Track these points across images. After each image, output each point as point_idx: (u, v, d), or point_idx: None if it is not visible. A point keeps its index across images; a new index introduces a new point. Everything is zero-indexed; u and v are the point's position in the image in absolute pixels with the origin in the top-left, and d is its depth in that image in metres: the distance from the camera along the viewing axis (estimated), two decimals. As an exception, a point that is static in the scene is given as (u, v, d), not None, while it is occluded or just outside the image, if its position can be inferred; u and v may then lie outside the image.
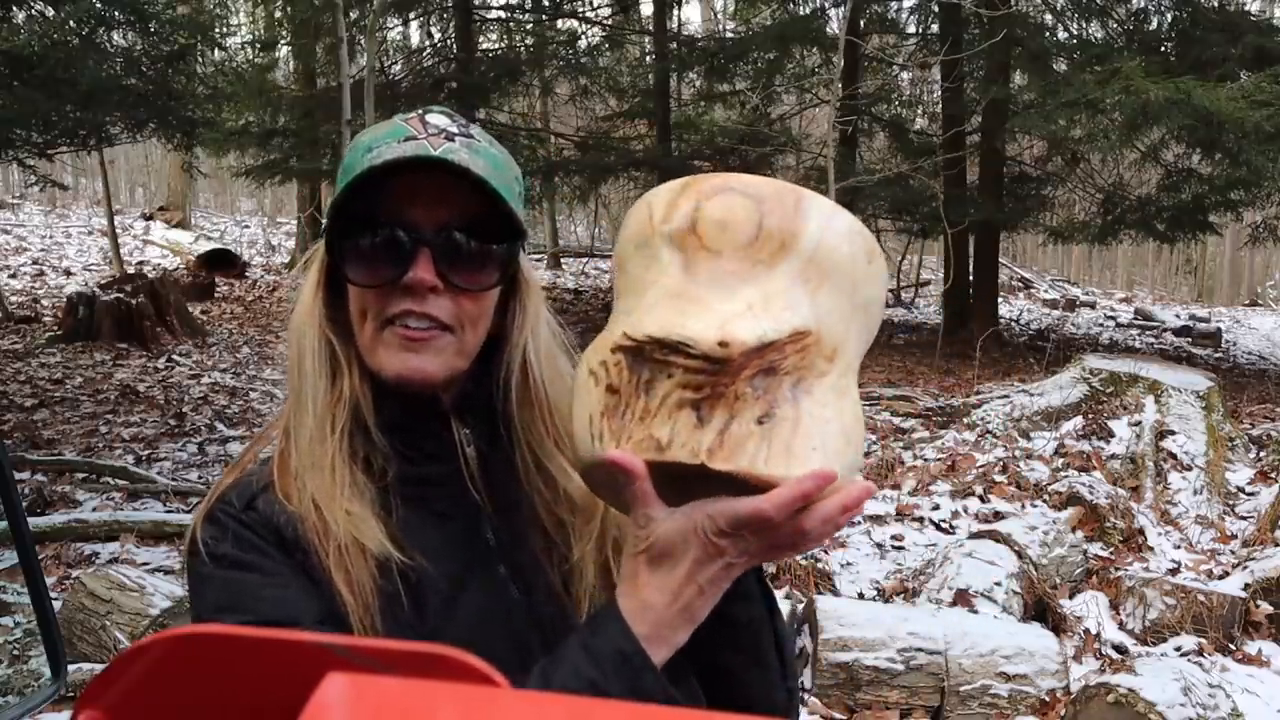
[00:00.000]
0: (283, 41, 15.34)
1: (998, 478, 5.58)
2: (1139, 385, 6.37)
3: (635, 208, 0.87)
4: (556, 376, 1.03)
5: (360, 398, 0.97)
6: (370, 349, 0.97)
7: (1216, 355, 13.94)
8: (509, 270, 1.00)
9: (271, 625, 0.90)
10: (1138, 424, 5.91)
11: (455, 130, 0.97)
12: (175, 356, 9.79)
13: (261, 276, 16.62)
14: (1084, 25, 13.96)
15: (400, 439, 0.98)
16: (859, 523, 5.17)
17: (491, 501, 1.00)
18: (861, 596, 4.18)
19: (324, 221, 0.99)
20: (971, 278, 13.76)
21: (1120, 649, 3.86)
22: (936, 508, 5.31)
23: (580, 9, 15.46)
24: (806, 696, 3.29)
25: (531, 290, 1.04)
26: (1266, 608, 4.02)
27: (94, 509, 5.20)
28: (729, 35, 16.06)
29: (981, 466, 5.78)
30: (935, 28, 14.00)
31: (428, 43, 15.88)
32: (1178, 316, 19.02)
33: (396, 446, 0.98)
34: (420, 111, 1.00)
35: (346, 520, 0.92)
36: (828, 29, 13.08)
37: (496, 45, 15.72)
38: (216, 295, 14.18)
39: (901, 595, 4.22)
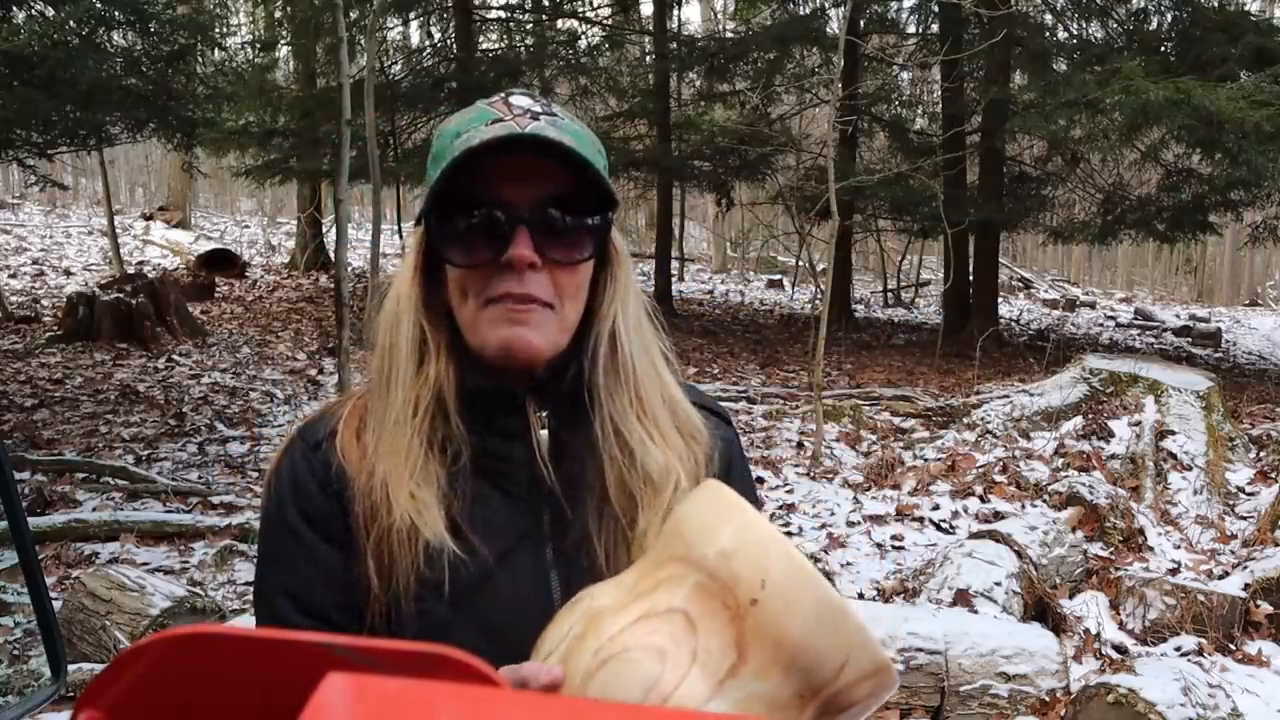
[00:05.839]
0: (283, 41, 15.33)
1: (998, 478, 5.58)
2: (1139, 385, 6.36)
3: None
4: (644, 349, 1.03)
5: (444, 382, 0.98)
6: (472, 327, 0.98)
7: (1216, 355, 13.96)
8: (603, 242, 1.01)
9: (291, 596, 0.97)
10: (1138, 424, 5.91)
11: (539, 109, 0.99)
12: (175, 356, 9.78)
13: (261, 276, 16.60)
14: (1084, 25, 13.97)
15: (480, 416, 0.99)
16: (859, 523, 5.17)
17: (559, 484, 1.00)
18: (861, 596, 4.18)
19: (421, 208, 1.01)
20: (971, 278, 13.76)
21: (1120, 649, 3.86)
22: (936, 508, 5.31)
23: (580, 9, 15.44)
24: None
25: (622, 261, 1.04)
26: (1266, 608, 4.02)
27: (94, 509, 5.19)
28: (729, 35, 16.05)
29: (981, 466, 5.78)
30: (935, 28, 14.00)
31: (428, 43, 15.88)
32: (1178, 316, 19.04)
33: (475, 425, 0.99)
34: (503, 95, 1.02)
35: (409, 503, 0.94)
36: (828, 29, 13.08)
37: (496, 45, 15.69)
38: (216, 295, 14.15)
39: (901, 595, 4.22)
